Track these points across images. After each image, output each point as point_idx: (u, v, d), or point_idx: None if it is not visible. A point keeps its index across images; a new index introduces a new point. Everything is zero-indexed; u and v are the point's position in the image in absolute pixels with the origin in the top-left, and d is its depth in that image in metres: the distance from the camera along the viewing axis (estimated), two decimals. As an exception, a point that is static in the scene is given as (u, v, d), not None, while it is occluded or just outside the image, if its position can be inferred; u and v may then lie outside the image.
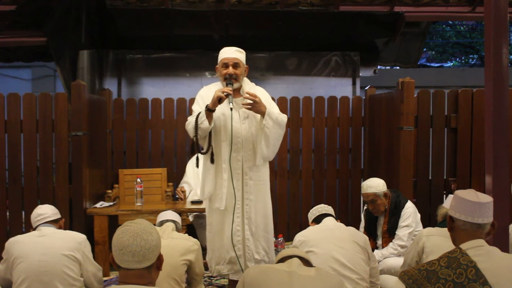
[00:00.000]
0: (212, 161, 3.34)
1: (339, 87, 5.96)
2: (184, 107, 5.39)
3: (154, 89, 5.80)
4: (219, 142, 3.35)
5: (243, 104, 3.25)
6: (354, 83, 6.07)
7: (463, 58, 14.39)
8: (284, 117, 3.37)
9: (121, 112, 5.35)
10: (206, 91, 3.42)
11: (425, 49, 12.31)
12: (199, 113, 3.25)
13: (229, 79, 3.30)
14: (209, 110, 3.22)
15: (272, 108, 3.34)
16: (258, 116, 3.31)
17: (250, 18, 5.58)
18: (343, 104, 5.42)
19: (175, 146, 5.40)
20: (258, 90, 3.44)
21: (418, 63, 8.41)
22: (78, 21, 5.44)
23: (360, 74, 6.15)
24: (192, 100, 5.35)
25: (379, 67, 7.19)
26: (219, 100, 3.18)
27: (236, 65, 3.34)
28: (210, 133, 3.32)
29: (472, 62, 14.14)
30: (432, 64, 13.91)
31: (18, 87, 8.16)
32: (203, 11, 5.43)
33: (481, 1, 5.17)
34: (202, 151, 3.37)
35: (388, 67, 10.50)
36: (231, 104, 3.19)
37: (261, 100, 3.24)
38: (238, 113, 3.34)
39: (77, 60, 5.46)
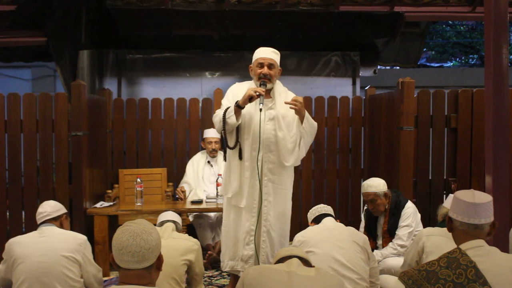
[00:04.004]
0: (240, 157, 3.38)
1: (339, 87, 5.96)
2: (184, 107, 5.39)
3: (154, 89, 5.80)
4: (243, 140, 3.38)
5: (285, 103, 3.30)
6: (354, 83, 6.07)
7: (463, 58, 14.37)
8: (315, 123, 3.47)
9: (121, 112, 5.35)
10: (238, 87, 3.47)
11: (425, 49, 12.29)
12: (227, 108, 3.29)
13: (263, 79, 3.34)
14: (239, 107, 3.26)
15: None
16: (288, 119, 3.36)
17: (250, 18, 5.58)
18: (343, 104, 5.42)
19: (175, 146, 5.40)
20: (291, 95, 3.49)
21: (418, 63, 8.40)
22: (78, 21, 5.44)
23: (360, 74, 6.15)
24: (192, 100, 5.40)
25: (379, 67, 7.19)
26: (249, 99, 3.22)
27: (271, 66, 3.38)
28: (237, 129, 3.36)
29: (472, 62, 14.13)
30: (432, 64, 13.90)
31: (18, 87, 8.16)
32: (203, 11, 5.43)
33: (481, 1, 5.17)
34: (230, 147, 3.40)
35: (388, 67, 10.48)
36: (261, 105, 3.24)
37: (303, 104, 3.33)
38: (264, 113, 3.36)
39: (77, 60, 5.46)
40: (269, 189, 3.39)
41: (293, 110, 3.32)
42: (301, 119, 3.34)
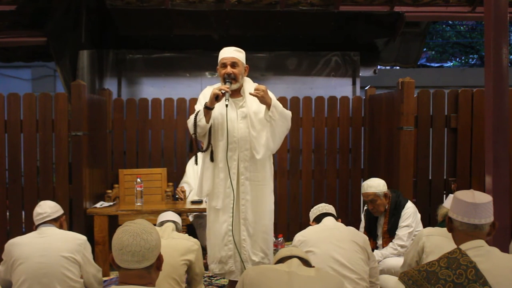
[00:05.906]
0: (211, 159, 3.35)
1: (339, 87, 5.96)
2: (184, 107, 5.39)
3: (154, 89, 5.80)
4: (217, 141, 3.35)
5: (250, 94, 3.24)
6: (354, 83, 6.07)
7: (463, 58, 14.38)
8: (289, 112, 3.39)
9: (121, 112, 5.35)
10: (209, 90, 3.41)
11: (425, 49, 12.30)
12: (198, 111, 3.27)
13: (227, 79, 3.30)
14: (207, 108, 3.22)
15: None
16: (261, 115, 3.31)
17: (250, 18, 5.58)
18: (343, 104, 5.42)
19: (175, 146, 5.40)
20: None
21: (418, 63, 8.41)
22: (78, 21, 5.44)
23: (360, 74, 6.15)
24: (192, 100, 5.39)
25: (379, 67, 7.19)
26: (216, 98, 3.18)
27: (234, 64, 3.32)
28: (210, 131, 3.33)
29: (472, 62, 14.13)
30: (432, 64, 13.91)
31: (18, 87, 8.16)
32: (203, 11, 5.43)
33: (481, 1, 5.17)
34: (202, 149, 3.38)
35: (388, 67, 10.49)
36: (226, 101, 3.19)
37: (267, 91, 3.24)
38: (236, 112, 3.34)
39: (77, 60, 5.46)
40: (246, 188, 3.35)
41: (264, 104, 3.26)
42: (268, 107, 3.26)
